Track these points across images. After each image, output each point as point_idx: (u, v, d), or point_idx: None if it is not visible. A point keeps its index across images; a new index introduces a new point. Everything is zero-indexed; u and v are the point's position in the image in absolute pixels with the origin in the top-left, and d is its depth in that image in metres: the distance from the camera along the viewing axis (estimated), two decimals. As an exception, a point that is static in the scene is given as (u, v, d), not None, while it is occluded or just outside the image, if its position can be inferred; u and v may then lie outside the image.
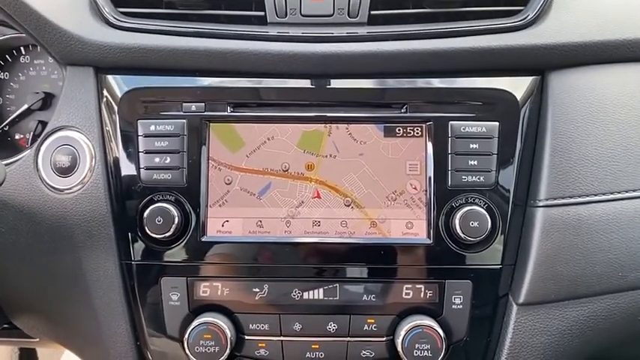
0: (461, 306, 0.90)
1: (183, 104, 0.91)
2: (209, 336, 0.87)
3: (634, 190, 0.89)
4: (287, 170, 0.92)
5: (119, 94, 0.92)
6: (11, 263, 0.96)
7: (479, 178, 0.89)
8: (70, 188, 0.91)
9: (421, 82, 0.91)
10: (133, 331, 0.94)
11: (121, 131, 0.92)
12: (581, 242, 0.87)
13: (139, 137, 0.91)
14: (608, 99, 0.90)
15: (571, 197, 0.88)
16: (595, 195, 0.88)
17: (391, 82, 0.92)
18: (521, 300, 0.90)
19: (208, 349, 0.87)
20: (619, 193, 0.88)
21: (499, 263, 0.90)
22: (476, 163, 0.89)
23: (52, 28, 0.90)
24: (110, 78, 0.93)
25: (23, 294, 1.00)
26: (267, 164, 0.92)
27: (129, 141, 0.92)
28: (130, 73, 0.93)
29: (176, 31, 0.91)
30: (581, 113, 0.90)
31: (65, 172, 0.92)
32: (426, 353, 0.87)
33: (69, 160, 0.92)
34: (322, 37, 0.90)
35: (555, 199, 0.88)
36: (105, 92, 0.93)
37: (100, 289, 0.93)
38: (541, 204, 0.89)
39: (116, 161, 0.92)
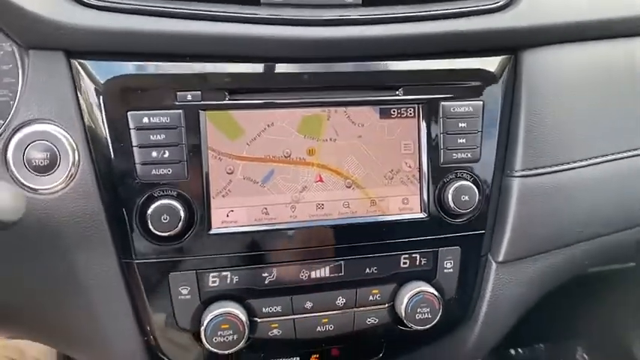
0: (451, 269, 1.00)
1: (178, 93, 0.85)
2: (227, 326, 0.88)
3: (595, 157, 1.02)
4: (289, 156, 0.92)
5: (102, 82, 0.83)
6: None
7: (467, 155, 0.97)
8: (52, 187, 0.83)
9: (414, 65, 0.93)
10: (139, 328, 0.92)
11: (108, 124, 0.84)
12: (552, 207, 1.00)
13: (132, 130, 0.84)
14: (577, 75, 1.00)
15: (543, 167, 0.99)
16: (563, 164, 1.00)
17: (386, 66, 0.93)
18: (500, 259, 1.02)
19: (227, 339, 0.89)
20: (584, 160, 1.01)
21: (483, 229, 1.01)
22: (464, 140, 0.96)
23: (9, 6, 0.78)
24: (88, 64, 0.83)
25: (12, 303, 0.92)
26: (269, 151, 0.91)
27: (118, 134, 0.84)
28: (109, 58, 0.84)
29: (158, 12, 0.83)
30: (551, 89, 0.99)
31: (44, 170, 0.83)
32: (426, 315, 0.96)
33: (47, 156, 0.83)
34: (314, 20, 0.88)
35: (530, 169, 0.99)
36: (84, 80, 0.83)
37: (99, 291, 0.89)
38: (517, 174, 0.99)
39: (105, 157, 0.85)
